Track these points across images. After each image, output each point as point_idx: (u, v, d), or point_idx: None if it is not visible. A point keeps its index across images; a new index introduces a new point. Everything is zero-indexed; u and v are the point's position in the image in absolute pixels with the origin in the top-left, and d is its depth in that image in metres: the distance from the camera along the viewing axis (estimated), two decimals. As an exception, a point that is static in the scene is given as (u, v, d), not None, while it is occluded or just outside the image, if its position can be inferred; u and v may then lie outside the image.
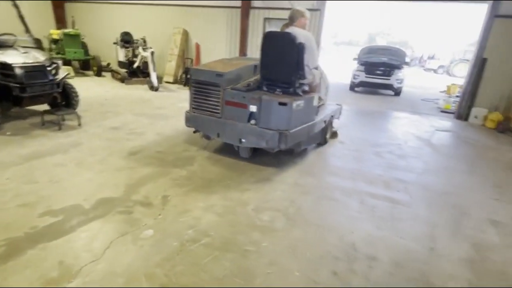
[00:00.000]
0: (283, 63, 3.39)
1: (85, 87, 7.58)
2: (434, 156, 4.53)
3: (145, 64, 8.37)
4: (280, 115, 3.25)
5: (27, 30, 4.75)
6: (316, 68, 3.81)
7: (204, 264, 1.98)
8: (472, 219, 2.83)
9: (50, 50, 9.27)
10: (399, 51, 11.23)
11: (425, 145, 5.02)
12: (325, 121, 4.22)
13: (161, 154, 3.72)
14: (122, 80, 8.55)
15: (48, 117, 4.45)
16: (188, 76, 8.80)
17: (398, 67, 10.77)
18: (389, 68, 10.51)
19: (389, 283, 1.97)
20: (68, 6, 10.75)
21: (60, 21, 10.60)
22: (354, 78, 11.01)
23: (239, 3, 8.43)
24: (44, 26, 9.88)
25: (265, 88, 3.55)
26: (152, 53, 7.80)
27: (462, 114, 7.28)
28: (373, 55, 11.21)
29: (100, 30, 10.51)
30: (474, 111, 6.98)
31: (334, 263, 2.10)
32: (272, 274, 1.95)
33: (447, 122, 6.97)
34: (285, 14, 8.19)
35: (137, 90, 7.70)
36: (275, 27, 8.68)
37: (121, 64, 8.98)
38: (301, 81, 3.47)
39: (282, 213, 2.66)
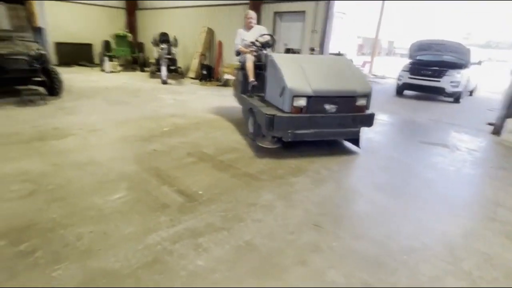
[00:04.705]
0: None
1: (110, 79, 9.00)
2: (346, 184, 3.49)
3: (170, 60, 9.27)
4: None
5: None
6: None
7: None
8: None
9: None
10: (460, 47, 8.73)
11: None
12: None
13: (14, 137, 4.15)
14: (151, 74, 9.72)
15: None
16: (204, 72, 9.29)
17: (458, 67, 8.44)
18: (442, 68, 8.35)
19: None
20: (138, 13, 12.82)
21: (131, 26, 12.71)
22: (398, 79, 9.23)
23: (250, -2, 8.32)
24: (117, 30, 12.12)
25: None
26: (162, 48, 8.58)
27: (498, 127, 5.20)
28: (426, 52, 9.11)
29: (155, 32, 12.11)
30: (509, 123, 4.89)
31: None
32: None
33: (467, 137, 5.11)
34: (296, 7, 7.76)
35: (150, 83, 8.63)
36: (286, 22, 8.24)
37: (155, 61, 10.19)
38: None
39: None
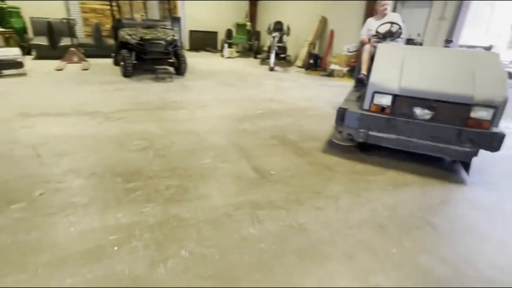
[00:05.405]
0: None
1: (226, 63, 10.00)
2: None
3: (280, 48, 9.66)
4: None
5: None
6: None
7: (72, 145, 3.26)
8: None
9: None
10: None
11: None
12: None
13: (144, 105, 5.06)
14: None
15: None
16: (311, 61, 9.29)
17: None
18: None
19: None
20: (259, 3, 13.62)
21: (252, 15, 13.65)
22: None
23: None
24: (239, 19, 13.25)
25: None
26: (274, 37, 8.94)
27: None
28: None
29: (272, 21, 12.66)
30: None
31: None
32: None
33: None
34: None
35: (259, 69, 9.22)
36: (408, 8, 7.37)
37: (267, 48, 10.72)
38: None
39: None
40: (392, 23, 4.36)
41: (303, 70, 9.46)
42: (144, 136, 3.55)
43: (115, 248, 1.81)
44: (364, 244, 1.99)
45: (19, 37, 8.69)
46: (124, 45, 6.67)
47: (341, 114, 3.12)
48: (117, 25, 7.20)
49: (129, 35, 6.55)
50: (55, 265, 1.66)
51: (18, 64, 6.10)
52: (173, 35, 6.96)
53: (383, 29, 4.41)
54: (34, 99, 4.72)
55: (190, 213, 2.19)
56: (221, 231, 2.03)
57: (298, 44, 10.77)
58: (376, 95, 2.95)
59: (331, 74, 8.62)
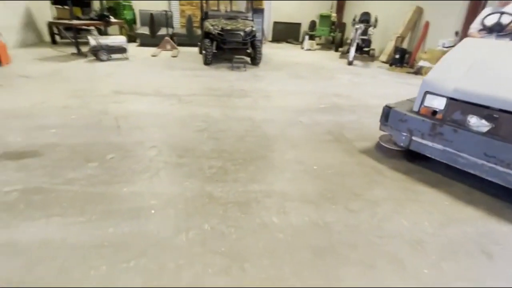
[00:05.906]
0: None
1: (303, 55, 9.88)
2: None
3: (364, 41, 9.05)
4: None
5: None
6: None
7: (146, 121, 3.77)
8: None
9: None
10: None
11: None
12: None
13: (214, 91, 5.31)
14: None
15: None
16: (396, 56, 8.45)
17: None
18: None
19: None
20: (346, 3, 12.88)
21: (339, 7, 13.06)
22: None
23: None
24: (325, 10, 12.82)
25: None
26: (357, 29, 8.38)
27: None
28: None
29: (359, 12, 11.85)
30: None
31: (172, 150, 3.10)
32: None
33: None
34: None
35: (336, 62, 8.85)
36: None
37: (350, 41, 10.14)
38: None
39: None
40: (503, 13, 3.63)
41: (386, 65, 8.69)
42: (205, 119, 3.86)
43: (152, 211, 2.09)
44: (392, 257, 1.83)
45: (129, 27, 10.22)
46: (207, 35, 7.23)
47: (386, 113, 2.83)
48: (204, 16, 7.82)
49: (212, 25, 7.06)
50: (105, 216, 2.02)
51: (123, 50, 7.22)
52: (252, 26, 7.21)
53: (490, 21, 3.72)
54: (129, 80, 5.56)
55: (223, 193, 2.34)
56: (246, 214, 2.12)
57: (385, 37, 9.90)
58: (428, 96, 2.58)
59: (418, 71, 7.70)
